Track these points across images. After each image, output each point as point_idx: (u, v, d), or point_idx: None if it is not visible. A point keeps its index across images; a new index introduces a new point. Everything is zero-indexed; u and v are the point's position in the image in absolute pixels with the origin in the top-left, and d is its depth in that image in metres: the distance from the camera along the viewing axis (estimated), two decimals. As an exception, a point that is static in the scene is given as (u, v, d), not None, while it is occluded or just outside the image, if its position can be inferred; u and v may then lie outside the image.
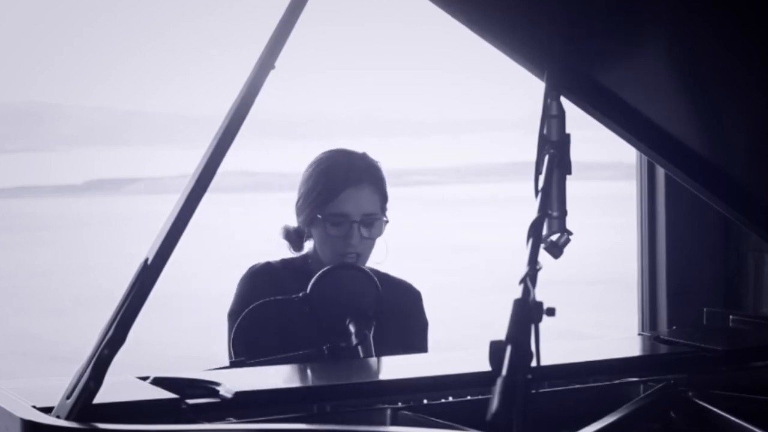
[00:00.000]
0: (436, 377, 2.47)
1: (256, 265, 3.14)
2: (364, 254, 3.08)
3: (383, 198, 3.10)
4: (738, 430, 2.29)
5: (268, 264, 3.14)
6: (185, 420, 2.23)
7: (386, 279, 3.08)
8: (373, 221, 3.06)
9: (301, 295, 2.87)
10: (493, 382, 1.57)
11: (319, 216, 3.05)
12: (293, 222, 3.16)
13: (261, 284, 3.07)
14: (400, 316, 3.10)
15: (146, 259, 2.24)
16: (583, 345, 3.09)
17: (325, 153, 3.13)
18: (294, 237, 3.15)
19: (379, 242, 3.12)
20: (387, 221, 3.10)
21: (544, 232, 2.24)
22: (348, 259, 3.05)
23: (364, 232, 3.05)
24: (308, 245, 3.17)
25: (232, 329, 3.06)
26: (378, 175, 3.10)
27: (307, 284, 2.93)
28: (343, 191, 3.04)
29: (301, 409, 2.33)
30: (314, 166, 3.11)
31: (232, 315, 3.08)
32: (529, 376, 1.58)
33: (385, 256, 3.14)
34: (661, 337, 2.88)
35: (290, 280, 3.05)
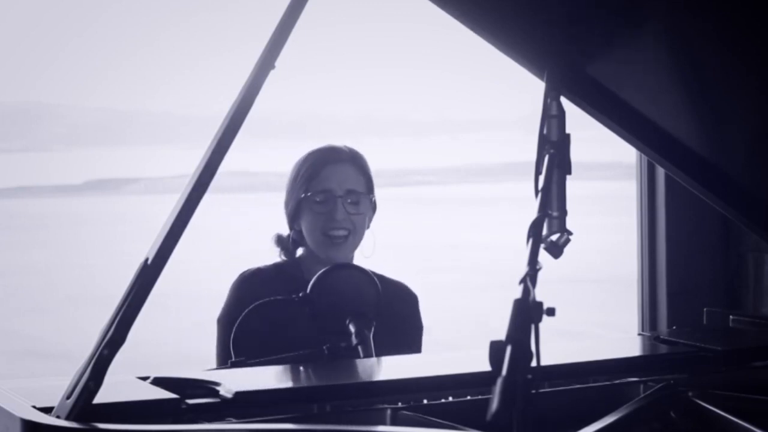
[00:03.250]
0: (436, 377, 2.47)
1: (247, 271, 3.15)
2: (355, 231, 3.09)
3: (368, 181, 3.14)
4: (738, 430, 2.29)
5: (258, 270, 3.15)
6: (185, 420, 2.23)
7: (384, 281, 3.07)
8: (359, 198, 3.10)
9: (301, 295, 2.87)
10: (493, 382, 1.57)
11: (303, 195, 3.09)
12: (286, 229, 3.19)
13: (251, 291, 3.07)
14: (396, 318, 3.09)
15: (146, 259, 2.24)
16: (583, 345, 3.09)
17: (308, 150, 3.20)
18: (286, 243, 3.18)
19: (368, 236, 3.13)
20: (374, 200, 3.14)
21: (544, 232, 2.23)
22: (337, 239, 3.07)
23: (350, 208, 3.08)
24: (300, 252, 3.18)
25: (221, 335, 3.09)
26: (361, 158, 3.15)
27: (298, 290, 2.94)
28: (324, 168, 3.09)
29: (301, 409, 2.33)
30: (297, 161, 3.17)
31: (221, 321, 3.10)
32: (529, 376, 1.58)
33: (373, 250, 3.15)
34: (661, 337, 2.88)
35: (280, 286, 3.05)
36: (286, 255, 3.19)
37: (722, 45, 2.46)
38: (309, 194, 3.09)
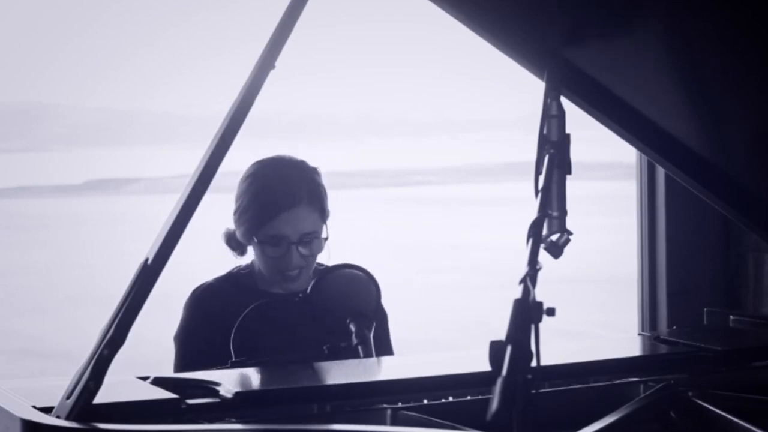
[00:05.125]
0: (436, 377, 2.47)
1: (198, 287, 3.09)
2: (306, 270, 3.02)
3: (322, 213, 3.01)
4: (738, 430, 2.29)
5: (210, 285, 3.09)
6: (185, 420, 2.23)
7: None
8: (312, 240, 2.99)
9: (301, 295, 2.87)
10: (493, 382, 1.57)
11: (255, 239, 2.99)
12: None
13: (204, 306, 3.04)
14: None
15: (146, 259, 2.24)
16: (583, 345, 3.09)
17: (259, 165, 3.05)
18: (236, 243, 3.09)
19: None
20: (327, 238, 3.02)
21: (544, 232, 2.24)
22: (291, 277, 3.00)
23: (303, 250, 2.98)
24: (253, 259, 3.10)
25: (178, 352, 3.05)
26: (316, 191, 3.00)
27: (253, 301, 2.92)
28: (278, 215, 2.96)
29: (301, 409, 2.33)
30: (248, 182, 3.02)
31: (178, 339, 3.06)
32: (529, 376, 1.58)
33: (328, 259, 3.07)
34: (661, 337, 2.88)
35: (235, 298, 3.01)
36: (238, 253, 3.09)
37: (722, 45, 2.46)
38: (260, 238, 2.98)
